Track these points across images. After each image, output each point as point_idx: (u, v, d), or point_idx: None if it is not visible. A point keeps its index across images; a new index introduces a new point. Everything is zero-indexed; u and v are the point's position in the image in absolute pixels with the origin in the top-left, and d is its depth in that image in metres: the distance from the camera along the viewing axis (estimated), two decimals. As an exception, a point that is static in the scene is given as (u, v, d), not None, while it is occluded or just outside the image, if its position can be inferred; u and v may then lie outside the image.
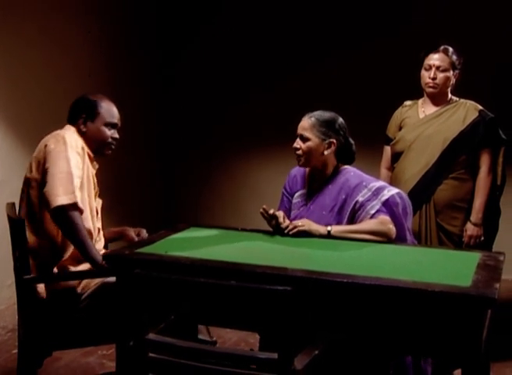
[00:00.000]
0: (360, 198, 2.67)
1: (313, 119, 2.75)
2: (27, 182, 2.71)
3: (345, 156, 2.82)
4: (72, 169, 2.59)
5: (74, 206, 2.55)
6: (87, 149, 2.77)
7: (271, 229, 2.73)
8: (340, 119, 2.80)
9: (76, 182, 2.59)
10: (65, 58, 4.54)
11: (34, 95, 4.31)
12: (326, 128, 2.74)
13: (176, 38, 5.55)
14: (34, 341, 2.61)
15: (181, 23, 5.52)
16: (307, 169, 2.88)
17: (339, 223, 2.68)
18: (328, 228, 2.62)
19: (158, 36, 5.54)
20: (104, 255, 2.51)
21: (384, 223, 2.62)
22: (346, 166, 2.82)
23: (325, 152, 2.74)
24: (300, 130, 2.77)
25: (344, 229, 2.63)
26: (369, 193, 2.67)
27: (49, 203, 2.53)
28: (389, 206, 2.66)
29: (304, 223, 2.65)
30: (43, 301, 2.62)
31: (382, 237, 2.61)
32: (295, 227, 2.64)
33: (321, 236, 2.61)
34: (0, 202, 2.79)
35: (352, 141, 2.83)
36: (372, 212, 2.64)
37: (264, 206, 2.72)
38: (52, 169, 2.58)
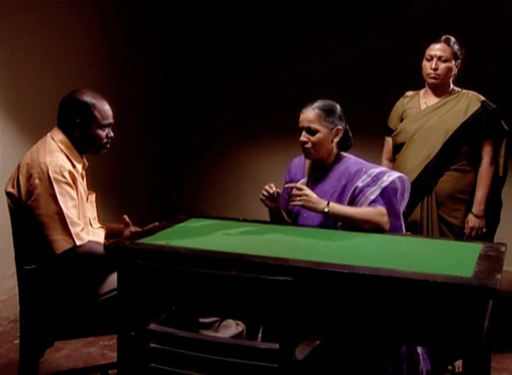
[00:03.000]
0: (359, 184, 2.67)
1: (317, 110, 2.73)
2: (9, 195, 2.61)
3: (344, 143, 2.83)
4: (62, 206, 2.52)
5: (76, 247, 2.53)
6: (76, 164, 2.64)
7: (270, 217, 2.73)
8: (338, 106, 2.81)
9: (71, 214, 2.54)
10: (65, 49, 4.53)
11: (34, 85, 4.30)
12: (332, 117, 2.74)
13: (176, 31, 5.53)
14: (36, 331, 2.61)
15: (181, 16, 5.50)
16: (308, 160, 2.87)
17: None
18: (330, 204, 2.60)
19: (159, 29, 5.52)
20: (105, 246, 2.51)
21: (381, 214, 2.63)
22: (346, 155, 2.83)
23: (335, 140, 2.75)
24: (305, 123, 2.73)
25: (341, 211, 2.62)
26: (368, 179, 2.67)
27: (53, 250, 2.51)
28: (387, 195, 2.66)
29: (310, 194, 2.62)
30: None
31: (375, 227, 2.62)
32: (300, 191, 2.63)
33: (316, 212, 2.61)
34: (1, 192, 2.78)
35: (347, 127, 2.84)
36: (372, 197, 2.64)
37: (270, 185, 2.72)
38: (42, 210, 2.51)
